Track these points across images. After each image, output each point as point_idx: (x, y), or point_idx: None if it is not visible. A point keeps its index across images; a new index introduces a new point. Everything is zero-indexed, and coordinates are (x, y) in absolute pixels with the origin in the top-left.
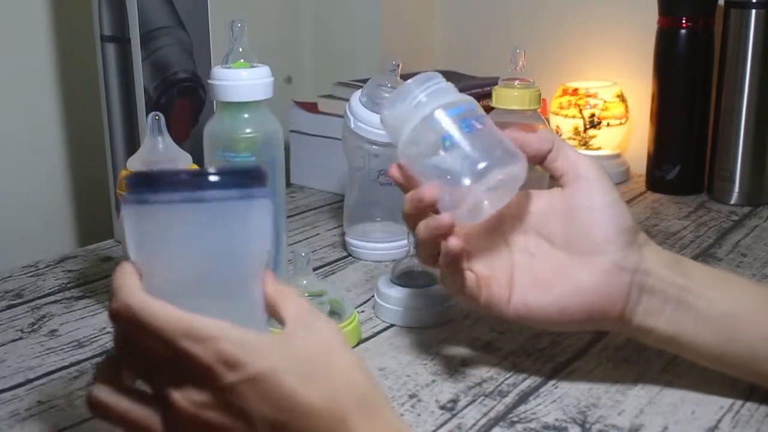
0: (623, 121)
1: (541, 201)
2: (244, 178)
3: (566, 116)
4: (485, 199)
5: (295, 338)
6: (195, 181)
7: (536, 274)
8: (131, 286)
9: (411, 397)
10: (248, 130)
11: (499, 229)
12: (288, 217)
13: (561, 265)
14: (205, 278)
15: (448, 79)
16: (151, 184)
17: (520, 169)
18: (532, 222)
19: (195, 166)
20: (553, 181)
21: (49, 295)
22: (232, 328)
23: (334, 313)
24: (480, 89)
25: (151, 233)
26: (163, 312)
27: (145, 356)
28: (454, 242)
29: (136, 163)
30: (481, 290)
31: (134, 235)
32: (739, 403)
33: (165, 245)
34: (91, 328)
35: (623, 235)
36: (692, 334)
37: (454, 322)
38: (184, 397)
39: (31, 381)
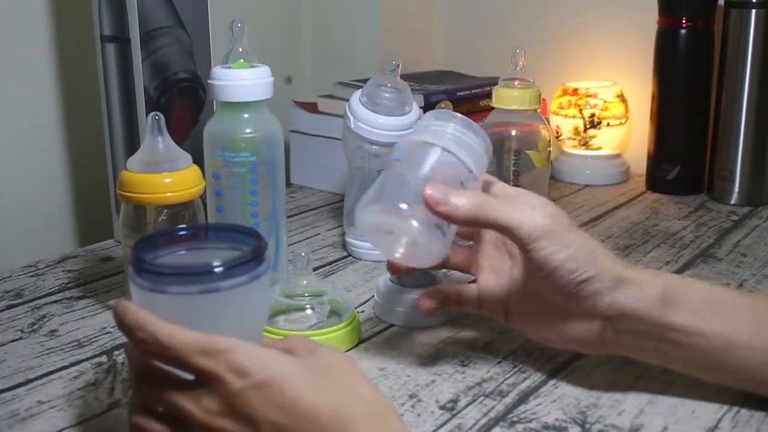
0: (623, 121)
1: (504, 287)
2: (252, 261)
3: (566, 116)
4: (368, 238)
5: (306, 357)
6: (212, 272)
7: (526, 311)
8: (149, 318)
9: (411, 397)
10: (248, 130)
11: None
12: (288, 217)
13: (544, 310)
14: None
15: (448, 79)
16: (168, 274)
17: (411, 232)
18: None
19: (195, 167)
20: (553, 180)
21: (49, 295)
22: (243, 342)
23: (334, 313)
24: (480, 89)
25: (163, 318)
26: (181, 334)
27: (164, 378)
28: (425, 304)
29: (136, 163)
30: (480, 310)
31: None
32: (739, 403)
33: None
34: (91, 328)
35: (584, 289)
36: (681, 364)
37: (454, 322)
38: (198, 407)
39: (31, 381)
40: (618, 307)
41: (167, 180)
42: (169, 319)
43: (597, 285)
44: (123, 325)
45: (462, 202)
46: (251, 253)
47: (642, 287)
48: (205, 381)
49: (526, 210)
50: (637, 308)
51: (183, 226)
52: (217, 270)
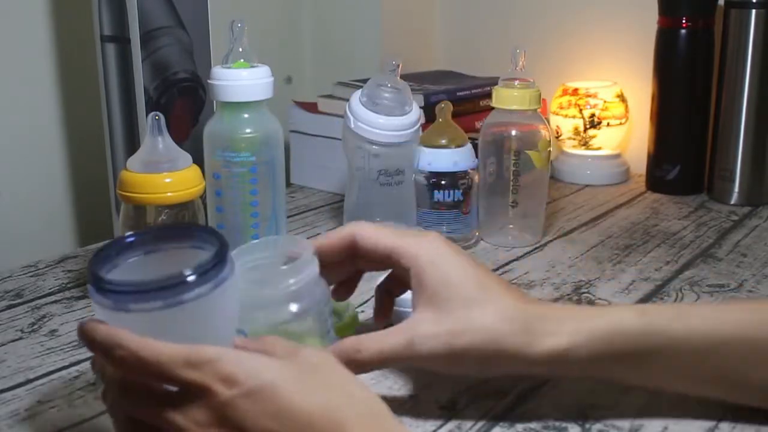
0: (623, 121)
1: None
2: (216, 267)
3: (566, 116)
4: None
5: (290, 359)
6: (174, 285)
7: None
8: (125, 336)
9: (411, 397)
10: (248, 130)
11: None
12: (288, 217)
13: None
14: None
15: (448, 79)
16: (130, 292)
17: None
18: None
19: (195, 167)
20: (553, 180)
21: (49, 295)
22: (230, 350)
23: (334, 313)
24: (480, 89)
25: None
26: (163, 347)
27: (147, 395)
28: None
29: (136, 163)
30: None
31: None
32: (739, 403)
33: None
34: None
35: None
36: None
37: None
38: (188, 420)
39: (31, 381)
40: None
41: (167, 180)
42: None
43: (504, 372)
44: (96, 344)
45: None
46: (213, 258)
47: (559, 357)
48: (192, 393)
49: None
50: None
51: (131, 233)
52: (180, 282)
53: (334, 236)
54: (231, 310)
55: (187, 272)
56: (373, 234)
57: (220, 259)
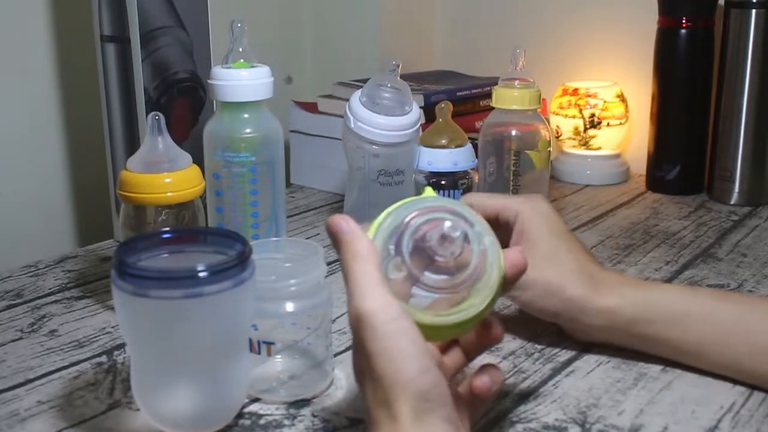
0: (623, 121)
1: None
2: (237, 266)
3: (566, 116)
4: None
5: None
6: (196, 277)
7: None
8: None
9: None
10: (248, 130)
11: None
12: (288, 217)
13: None
14: (199, 356)
15: (448, 79)
16: (151, 278)
17: None
18: None
19: (195, 167)
20: (553, 180)
21: (49, 295)
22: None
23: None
24: (480, 89)
25: (148, 322)
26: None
27: None
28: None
29: (136, 163)
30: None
31: (129, 321)
32: (739, 403)
33: (163, 335)
34: (91, 328)
35: (554, 320)
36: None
37: None
38: None
39: (31, 381)
40: (591, 332)
41: (167, 180)
42: (151, 324)
43: (563, 318)
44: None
45: None
46: (236, 257)
47: (609, 313)
48: None
49: None
50: (607, 329)
51: (167, 229)
52: (201, 274)
53: None
54: (246, 310)
55: (210, 266)
56: (483, 198)
57: (242, 260)
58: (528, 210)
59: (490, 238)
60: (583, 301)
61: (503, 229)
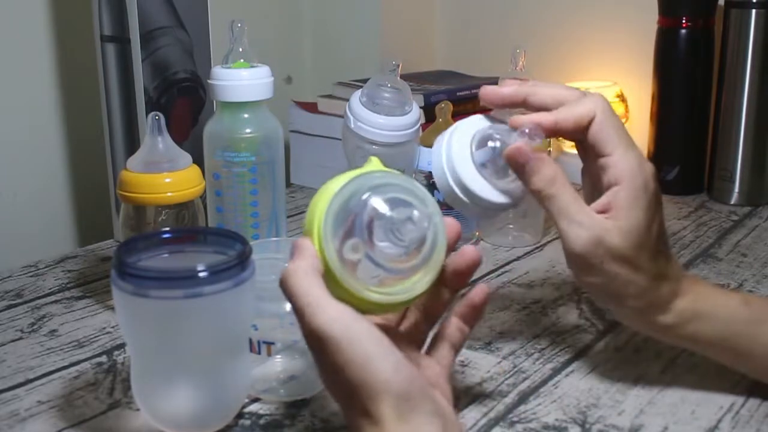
0: (623, 121)
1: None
2: (237, 266)
3: None
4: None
5: None
6: (196, 277)
7: None
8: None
9: None
10: (248, 130)
11: None
12: (288, 217)
13: None
14: (199, 356)
15: (448, 79)
16: (151, 278)
17: None
18: None
19: (195, 167)
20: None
21: (49, 295)
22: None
23: None
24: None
25: (148, 322)
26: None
27: None
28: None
29: (136, 163)
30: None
31: (129, 321)
32: (739, 403)
33: (163, 335)
34: (91, 328)
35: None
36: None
37: None
38: None
39: (31, 381)
40: (652, 327)
41: (167, 180)
42: (151, 324)
43: (629, 308)
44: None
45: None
46: (236, 257)
47: (674, 313)
48: None
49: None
50: (666, 327)
51: (167, 229)
52: (201, 274)
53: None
54: (246, 310)
55: (210, 266)
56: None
57: (242, 260)
58: (630, 187)
59: (439, 217)
60: (650, 296)
61: (590, 161)
